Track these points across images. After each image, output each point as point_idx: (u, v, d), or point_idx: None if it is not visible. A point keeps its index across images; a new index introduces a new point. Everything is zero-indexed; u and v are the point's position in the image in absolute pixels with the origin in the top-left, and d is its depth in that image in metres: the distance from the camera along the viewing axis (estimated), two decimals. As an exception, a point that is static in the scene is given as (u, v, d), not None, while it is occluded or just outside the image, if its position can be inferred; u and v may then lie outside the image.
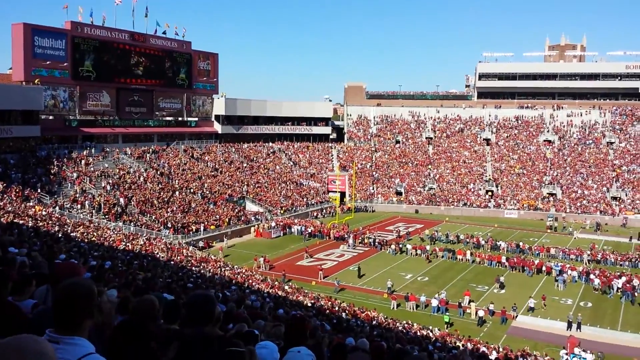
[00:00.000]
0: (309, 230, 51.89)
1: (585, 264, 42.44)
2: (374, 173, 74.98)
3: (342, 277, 37.75)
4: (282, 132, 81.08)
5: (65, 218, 35.36)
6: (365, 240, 48.44)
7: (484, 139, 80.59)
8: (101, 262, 16.02)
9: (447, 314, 30.70)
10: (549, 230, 57.01)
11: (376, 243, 47.80)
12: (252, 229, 52.16)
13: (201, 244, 44.84)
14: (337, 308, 26.44)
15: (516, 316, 31.11)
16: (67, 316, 2.36)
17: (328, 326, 16.84)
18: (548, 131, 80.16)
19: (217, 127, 73.35)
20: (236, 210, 54.43)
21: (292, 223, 54.48)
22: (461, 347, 22.59)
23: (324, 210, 63.98)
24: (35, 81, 50.39)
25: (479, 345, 24.28)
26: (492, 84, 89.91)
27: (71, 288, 2.40)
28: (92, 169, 50.12)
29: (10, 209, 29.45)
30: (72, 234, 27.08)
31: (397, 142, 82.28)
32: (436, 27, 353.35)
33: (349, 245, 47.73)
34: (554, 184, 69.12)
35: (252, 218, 54.23)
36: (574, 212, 63.34)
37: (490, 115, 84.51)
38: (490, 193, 69.32)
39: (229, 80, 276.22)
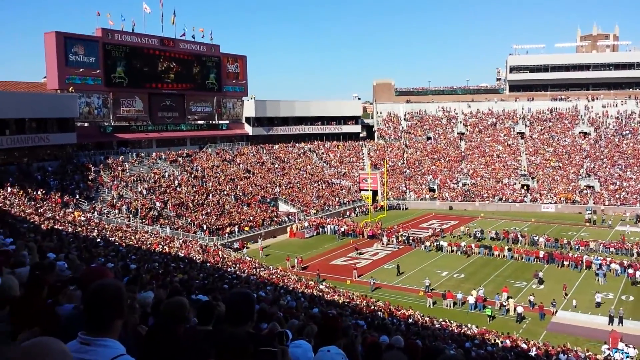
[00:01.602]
0: (342, 230, 51.82)
1: (635, 257, 41.24)
2: (406, 170, 74.45)
3: (377, 276, 37.58)
4: (312, 132, 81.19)
5: (104, 223, 36.16)
6: (399, 238, 48.12)
7: (517, 133, 79.19)
8: (139, 266, 16.32)
9: (489, 307, 30.40)
10: (587, 224, 55.69)
11: (410, 240, 47.46)
12: (288, 229, 52.37)
13: (236, 245, 45.25)
14: (372, 307, 26.33)
15: (556, 312, 30.47)
16: (97, 317, 2.37)
17: (364, 324, 16.80)
18: (583, 123, 78.31)
19: (248, 129, 73.95)
20: (269, 211, 54.78)
21: (325, 222, 54.53)
22: (500, 345, 22.25)
23: (357, 209, 63.83)
24: (70, 89, 51.61)
25: (518, 341, 23.85)
26: (523, 76, 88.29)
27: (100, 289, 2.41)
28: (127, 174, 51.13)
29: (49, 215, 30.25)
30: (110, 239, 27.67)
31: (429, 138, 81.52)
32: (465, 21, 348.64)
33: (382, 244, 47.51)
34: (591, 176, 67.47)
35: (285, 219, 54.48)
36: (613, 204, 61.68)
37: (523, 108, 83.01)
38: (526, 187, 68.08)
39: (257, 82, 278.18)
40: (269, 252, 45.36)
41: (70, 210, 37.15)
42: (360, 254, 44.52)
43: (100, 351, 2.29)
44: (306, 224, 53.42)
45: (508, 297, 31.91)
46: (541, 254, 41.68)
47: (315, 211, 58.40)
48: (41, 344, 1.91)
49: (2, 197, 31.44)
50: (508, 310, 30.82)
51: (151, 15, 65.34)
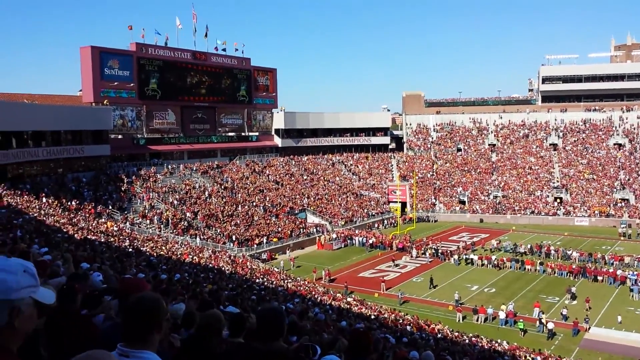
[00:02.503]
0: (371, 242, 51.56)
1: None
2: (435, 182, 73.82)
3: (405, 289, 37.22)
4: (340, 143, 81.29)
5: (135, 233, 36.74)
6: (429, 251, 47.61)
7: (550, 144, 77.91)
8: (170, 276, 16.51)
9: (521, 320, 29.88)
10: (622, 238, 54.28)
11: (439, 253, 46.92)
12: (316, 240, 52.36)
13: (264, 256, 45.43)
14: (400, 320, 26.08)
15: (589, 328, 29.69)
16: (136, 330, 2.41)
17: (393, 339, 16.63)
18: (618, 134, 76.62)
19: (277, 141, 74.47)
20: (297, 222, 54.90)
21: (353, 234, 54.36)
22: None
23: (385, 221, 63.50)
24: (104, 102, 52.86)
25: (549, 359, 23.29)
26: (556, 87, 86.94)
27: (139, 303, 2.45)
28: (159, 185, 51.95)
29: (83, 225, 30.86)
30: (142, 249, 28.07)
31: (459, 149, 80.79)
32: (496, 31, 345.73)
33: (411, 256, 47.09)
34: (626, 189, 65.84)
35: (313, 230, 54.51)
36: (649, 218, 60.03)
37: (556, 120, 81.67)
38: (559, 200, 66.77)
39: (287, 94, 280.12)
40: (298, 263, 45.36)
41: (103, 220, 37.88)
42: (397, 265, 44.27)
43: None
44: (334, 235, 53.34)
45: (540, 312, 31.24)
46: (574, 268, 40.76)
47: (343, 223, 58.30)
48: (94, 356, 1.95)
49: (37, 207, 32.22)
50: (545, 325, 29.80)
51: (184, 30, 66.57)
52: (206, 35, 63.86)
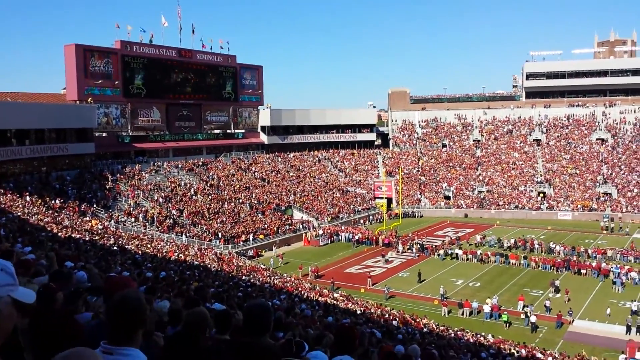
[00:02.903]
0: (357, 237, 51.72)
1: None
2: (421, 178, 74.17)
3: (391, 284, 37.42)
4: (326, 140, 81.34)
5: (120, 231, 36.50)
6: (415, 246, 47.86)
7: (534, 140, 78.63)
8: (155, 273, 16.44)
9: (506, 313, 30.31)
10: (605, 232, 55.03)
11: (424, 248, 47.20)
12: (302, 236, 52.42)
13: (250, 253, 45.39)
14: (387, 315, 26.22)
15: (572, 321, 30.10)
16: (120, 328, 2.44)
17: (379, 334, 16.73)
18: (601, 129, 77.54)
19: (263, 138, 74.31)
20: (284, 219, 54.89)
21: (339, 230, 54.48)
22: (515, 355, 22.02)
23: (371, 217, 63.71)
24: (88, 100, 52.34)
25: (534, 351, 23.58)
26: (540, 83, 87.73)
27: (122, 301, 2.48)
28: (144, 182, 51.62)
29: (67, 223, 30.60)
30: (127, 247, 27.90)
31: (444, 145, 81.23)
32: (480, 28, 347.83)
33: (397, 252, 47.33)
34: (608, 183, 66.69)
35: (300, 226, 54.54)
36: (630, 211, 60.89)
37: (539, 115, 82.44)
38: (542, 195, 67.46)
39: (273, 91, 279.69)
40: (286, 259, 45.30)
41: (87, 219, 37.56)
42: (387, 261, 44.45)
43: None
44: (321, 232, 53.42)
45: (524, 306, 31.61)
46: (557, 262, 41.27)
47: (329, 219, 58.39)
48: (77, 353, 1.96)
49: (21, 206, 31.88)
50: (529, 317, 30.04)
51: (169, 28, 66.07)
52: (193, 32, 63.55)
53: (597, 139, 76.25)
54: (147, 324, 2.58)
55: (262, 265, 39.27)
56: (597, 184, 67.11)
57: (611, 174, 68.68)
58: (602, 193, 65.39)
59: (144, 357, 2.47)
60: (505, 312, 30.44)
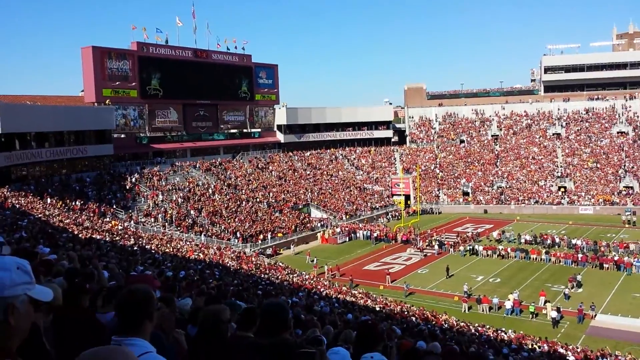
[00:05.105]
0: (375, 235, 51.57)
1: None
2: (439, 174, 73.72)
3: (410, 281, 37.26)
4: (343, 137, 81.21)
5: (140, 231, 36.85)
6: (433, 243, 47.57)
7: (553, 134, 77.70)
8: (175, 273, 16.55)
9: (533, 304, 30.40)
10: (627, 225, 54.20)
11: (443, 245, 46.88)
12: (318, 235, 52.42)
13: (269, 251, 45.52)
14: (406, 312, 26.12)
15: (595, 315, 29.69)
16: (127, 320, 2.56)
17: (399, 330, 16.65)
18: (621, 122, 76.36)
19: (280, 137, 74.45)
20: (301, 217, 54.95)
21: (357, 228, 54.36)
22: (537, 350, 21.78)
23: (389, 214, 63.51)
24: (106, 102, 52.87)
25: (556, 346, 23.31)
26: (558, 76, 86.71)
27: (129, 294, 2.62)
28: (163, 183, 52.04)
29: (88, 225, 30.96)
30: (147, 247, 28.15)
31: (462, 141, 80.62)
32: (497, 22, 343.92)
33: (417, 248, 47.06)
34: (630, 177, 65.66)
35: (317, 224, 54.54)
36: (654, 205, 59.89)
37: (559, 109, 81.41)
38: (562, 189, 66.65)
39: (289, 89, 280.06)
40: (301, 258, 45.26)
41: (107, 219, 37.98)
42: (425, 255, 44.90)
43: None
44: (338, 229, 53.37)
45: (545, 302, 31.23)
46: (579, 256, 40.72)
47: (347, 217, 58.33)
48: (101, 352, 1.95)
49: (41, 208, 32.33)
50: (558, 311, 29.78)
51: (184, 28, 66.61)
52: (207, 27, 63.68)
53: (617, 132, 75.09)
54: (154, 316, 2.67)
55: (280, 264, 39.29)
56: (619, 178, 66.10)
57: (632, 167, 67.59)
58: (624, 187, 64.41)
59: (152, 347, 2.54)
60: (533, 303, 30.27)
